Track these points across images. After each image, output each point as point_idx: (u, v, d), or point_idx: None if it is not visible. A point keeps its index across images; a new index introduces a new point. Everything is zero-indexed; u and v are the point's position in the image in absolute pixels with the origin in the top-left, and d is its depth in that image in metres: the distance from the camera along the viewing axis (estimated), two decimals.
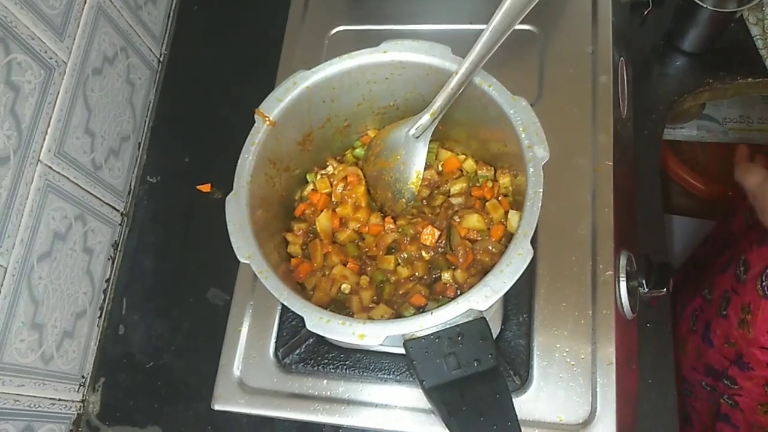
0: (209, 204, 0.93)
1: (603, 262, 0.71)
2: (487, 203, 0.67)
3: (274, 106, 0.62)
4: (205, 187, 0.94)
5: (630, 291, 0.71)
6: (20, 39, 0.74)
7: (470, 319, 0.53)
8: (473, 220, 0.64)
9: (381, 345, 0.53)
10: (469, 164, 0.71)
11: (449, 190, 0.70)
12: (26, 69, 0.75)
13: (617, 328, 0.69)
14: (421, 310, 0.63)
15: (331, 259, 0.67)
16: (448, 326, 0.53)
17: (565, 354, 0.68)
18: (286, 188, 0.69)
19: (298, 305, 0.53)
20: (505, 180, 0.67)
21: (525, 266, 0.53)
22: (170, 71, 1.06)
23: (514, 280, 0.52)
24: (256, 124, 0.62)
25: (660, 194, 0.90)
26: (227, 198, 0.58)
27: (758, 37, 0.92)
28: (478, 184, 0.70)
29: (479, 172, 0.70)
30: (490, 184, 0.69)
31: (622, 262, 0.72)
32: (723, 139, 1.45)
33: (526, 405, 0.66)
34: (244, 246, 0.56)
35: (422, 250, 0.65)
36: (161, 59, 1.06)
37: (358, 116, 0.70)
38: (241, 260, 0.55)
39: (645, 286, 0.73)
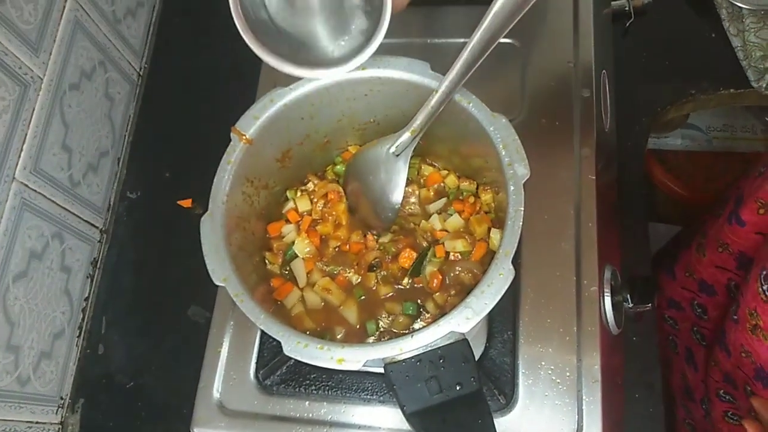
0: (190, 220, 0.91)
1: (587, 277, 0.70)
2: (472, 218, 0.67)
3: (250, 124, 0.61)
4: (186, 203, 0.92)
5: (615, 306, 0.70)
6: None
7: (452, 341, 0.52)
8: (459, 245, 0.64)
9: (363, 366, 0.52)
10: (451, 180, 0.70)
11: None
12: (0, 85, 0.74)
13: (602, 344, 0.68)
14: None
15: (314, 276, 0.67)
16: (430, 349, 0.52)
17: (550, 371, 0.67)
18: (265, 206, 0.68)
19: (275, 329, 0.52)
20: (487, 197, 0.67)
21: (506, 287, 0.52)
22: (150, 85, 1.04)
23: (496, 302, 0.51)
24: (232, 142, 0.61)
25: (644, 206, 0.89)
26: (202, 218, 0.57)
27: (739, 48, 0.92)
28: (461, 197, 0.69)
29: (461, 185, 0.70)
30: (472, 199, 0.68)
31: (607, 276, 0.71)
32: (707, 147, 1.46)
33: (511, 424, 0.65)
34: (219, 268, 0.54)
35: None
36: (141, 73, 1.05)
37: (338, 132, 0.69)
38: (217, 283, 0.54)
39: (630, 300, 0.73)
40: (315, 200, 0.69)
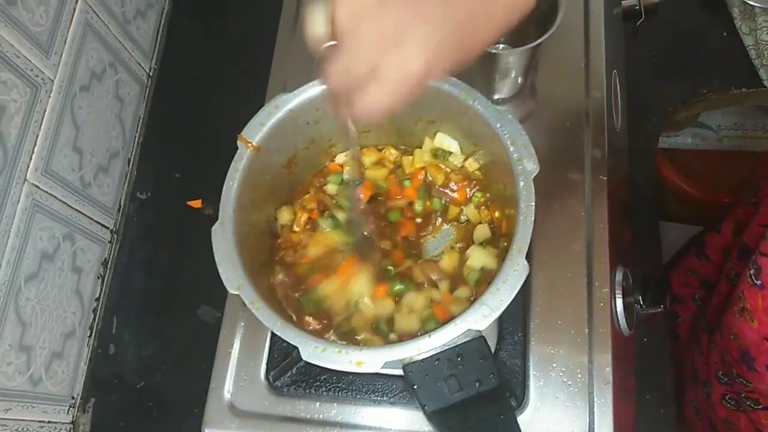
0: (200, 220, 0.91)
1: (599, 278, 0.70)
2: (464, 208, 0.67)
3: (256, 131, 0.61)
4: (196, 203, 0.93)
5: (626, 308, 0.70)
6: (5, 57, 0.73)
7: (469, 339, 0.52)
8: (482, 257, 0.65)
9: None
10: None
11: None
12: (12, 88, 0.74)
13: (614, 346, 0.68)
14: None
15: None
16: (447, 348, 0.52)
17: (561, 373, 0.67)
18: (274, 212, 0.68)
19: (292, 335, 0.52)
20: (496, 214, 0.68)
21: (521, 282, 0.52)
22: (160, 86, 1.04)
23: (512, 298, 0.52)
24: (239, 150, 0.61)
25: (655, 206, 0.89)
26: (213, 228, 0.57)
27: (751, 47, 0.91)
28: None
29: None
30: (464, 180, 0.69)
31: (618, 278, 0.71)
32: (718, 146, 1.45)
33: (522, 426, 0.64)
34: (232, 277, 0.55)
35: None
36: (151, 74, 1.05)
37: (342, 136, 0.69)
38: (231, 292, 0.54)
39: (642, 302, 0.72)
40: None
